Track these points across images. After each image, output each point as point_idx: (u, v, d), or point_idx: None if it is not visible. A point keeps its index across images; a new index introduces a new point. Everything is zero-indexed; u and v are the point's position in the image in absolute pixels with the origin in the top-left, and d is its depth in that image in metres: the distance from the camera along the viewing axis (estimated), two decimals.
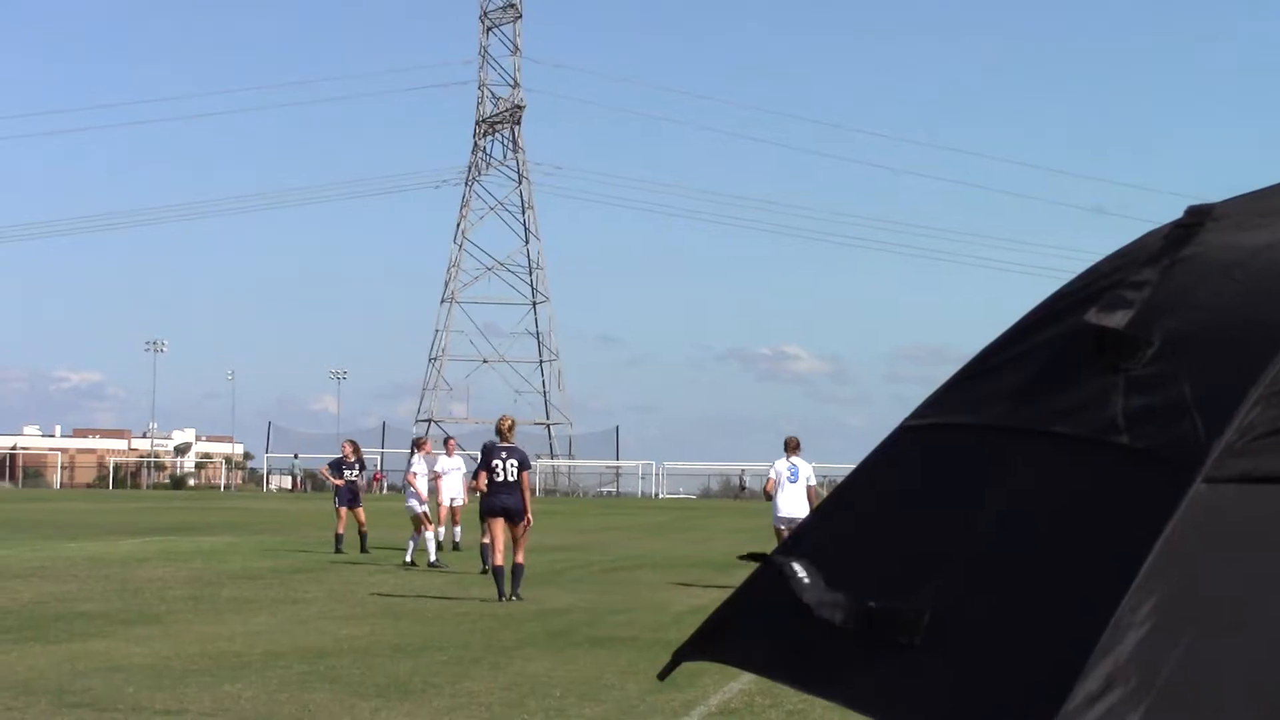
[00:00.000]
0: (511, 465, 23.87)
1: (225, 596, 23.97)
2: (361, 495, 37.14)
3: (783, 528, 25.95)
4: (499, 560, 23.73)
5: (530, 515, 24.12)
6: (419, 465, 34.13)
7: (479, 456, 24.79)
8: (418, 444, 35.64)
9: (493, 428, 25.37)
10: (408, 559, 31.95)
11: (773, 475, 26.99)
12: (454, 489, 36.01)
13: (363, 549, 35.14)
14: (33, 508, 67.85)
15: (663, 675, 2.68)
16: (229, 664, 16.01)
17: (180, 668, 15.69)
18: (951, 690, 2.12)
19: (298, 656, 16.66)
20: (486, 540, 25.17)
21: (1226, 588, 2.01)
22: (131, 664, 15.91)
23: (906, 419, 2.59)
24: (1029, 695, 1.98)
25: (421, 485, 33.53)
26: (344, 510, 36.15)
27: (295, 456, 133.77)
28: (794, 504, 26.35)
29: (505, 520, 23.86)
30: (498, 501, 23.92)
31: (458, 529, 36.75)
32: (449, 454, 37.36)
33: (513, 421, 25.36)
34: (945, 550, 2.31)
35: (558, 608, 23.05)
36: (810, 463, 27.58)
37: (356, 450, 37.64)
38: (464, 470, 36.93)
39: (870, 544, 2.45)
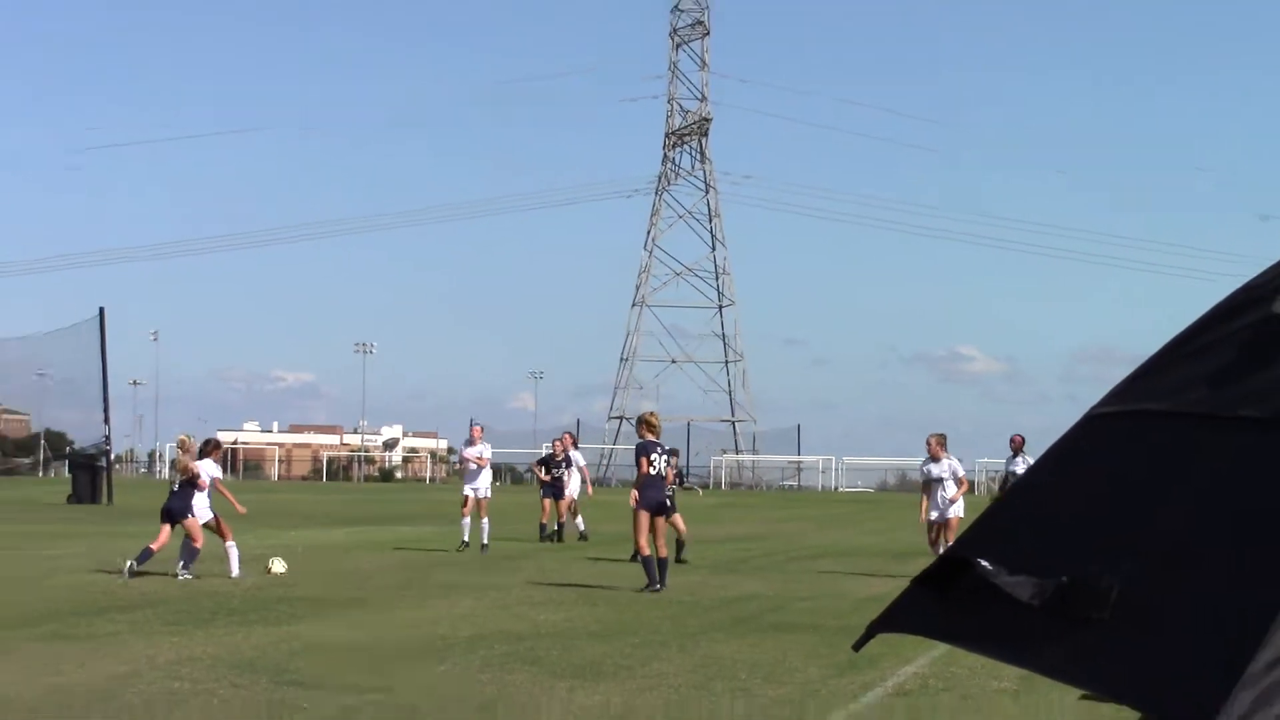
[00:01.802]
0: (664, 460, 23.88)
1: (431, 582, 24.19)
2: (566, 489, 37.23)
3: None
4: (648, 550, 23.38)
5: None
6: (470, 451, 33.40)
7: (643, 450, 24.09)
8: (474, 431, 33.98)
9: (681, 425, 25.26)
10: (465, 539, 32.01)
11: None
12: (573, 484, 36.76)
13: (559, 538, 35.46)
14: (253, 498, 68.75)
15: (857, 646, 2.70)
16: (436, 646, 16.15)
17: (390, 649, 15.85)
18: (1138, 658, 2.11)
19: (500, 639, 16.77)
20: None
21: None
22: (344, 645, 16.10)
23: (1094, 407, 2.53)
24: (1215, 658, 1.98)
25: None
26: (548, 501, 36.40)
27: (449, 452, 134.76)
28: None
29: (659, 513, 23.58)
30: (656, 495, 23.64)
31: (579, 520, 37.05)
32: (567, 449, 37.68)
33: (658, 417, 25.23)
34: (1134, 529, 2.29)
35: (743, 594, 23.04)
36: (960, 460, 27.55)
37: (564, 448, 37.78)
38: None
39: (1061, 525, 2.41)
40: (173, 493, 24.55)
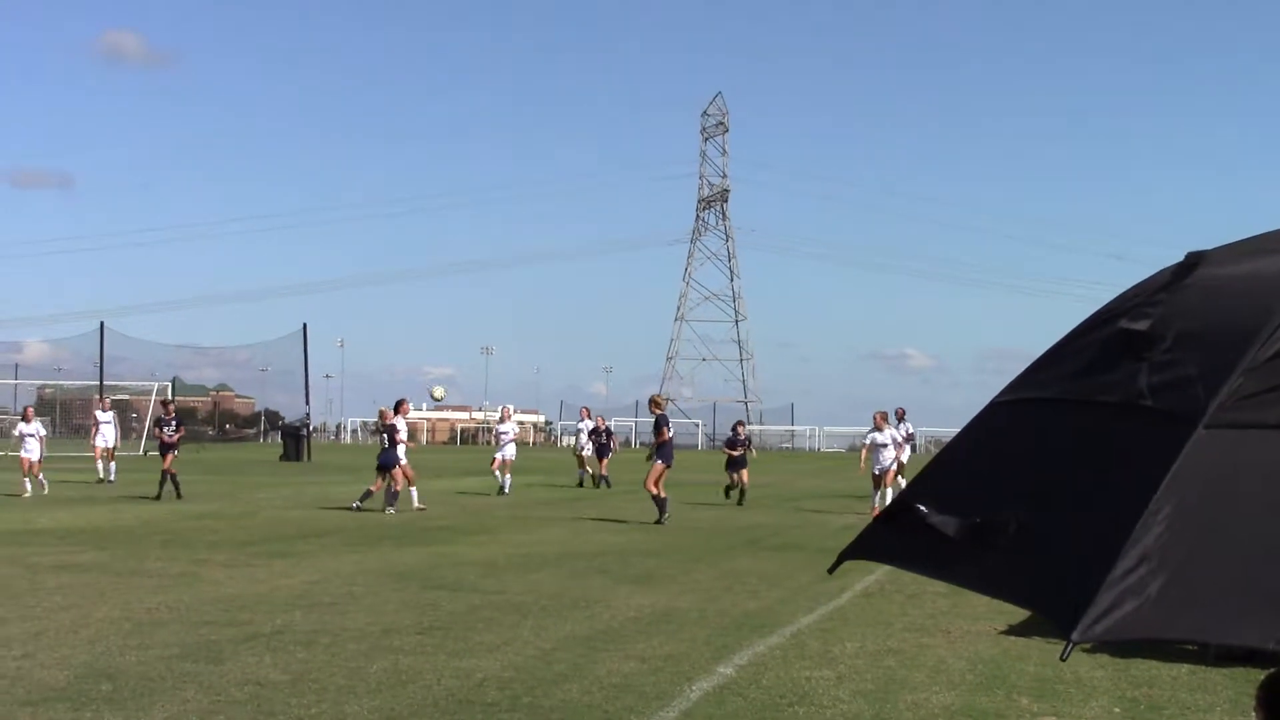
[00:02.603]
0: (670, 429, 23.60)
1: (531, 516, 24.22)
2: (610, 451, 36.83)
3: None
4: (664, 492, 22.98)
5: None
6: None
7: (660, 421, 23.51)
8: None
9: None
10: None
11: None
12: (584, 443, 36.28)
13: (607, 485, 35.07)
14: (411, 458, 69.22)
15: (831, 570, 2.71)
16: (535, 560, 16.18)
17: (503, 563, 15.89)
18: (1031, 571, 2.18)
19: (580, 556, 16.79)
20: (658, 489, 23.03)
21: (1218, 497, 2.08)
22: (471, 560, 16.14)
23: (996, 396, 2.63)
24: (1084, 569, 2.03)
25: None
26: (598, 460, 36.22)
27: (546, 423, 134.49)
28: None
29: (669, 466, 23.16)
30: (671, 453, 23.40)
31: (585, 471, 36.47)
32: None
33: (663, 397, 25.10)
34: (1024, 481, 2.36)
35: (755, 524, 23.01)
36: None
37: (602, 421, 37.52)
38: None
39: (974, 479, 2.49)
40: (384, 449, 24.62)
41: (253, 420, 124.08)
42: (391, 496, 24.13)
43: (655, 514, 22.83)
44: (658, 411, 23.83)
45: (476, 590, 13.26)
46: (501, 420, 33.98)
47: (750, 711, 7.94)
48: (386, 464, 24.33)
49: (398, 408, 25.23)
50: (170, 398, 33.51)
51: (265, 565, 15.20)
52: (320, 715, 7.69)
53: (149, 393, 68.91)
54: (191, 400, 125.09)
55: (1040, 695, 8.52)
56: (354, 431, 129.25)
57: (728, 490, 29.57)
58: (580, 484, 36.02)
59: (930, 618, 11.84)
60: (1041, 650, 9.99)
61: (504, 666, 9.16)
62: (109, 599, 12.23)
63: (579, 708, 7.93)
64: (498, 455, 32.09)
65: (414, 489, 24.64)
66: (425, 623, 11.06)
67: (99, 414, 36.05)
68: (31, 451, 28.35)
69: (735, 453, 30.15)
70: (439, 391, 36.43)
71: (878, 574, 14.42)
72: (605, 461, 36.16)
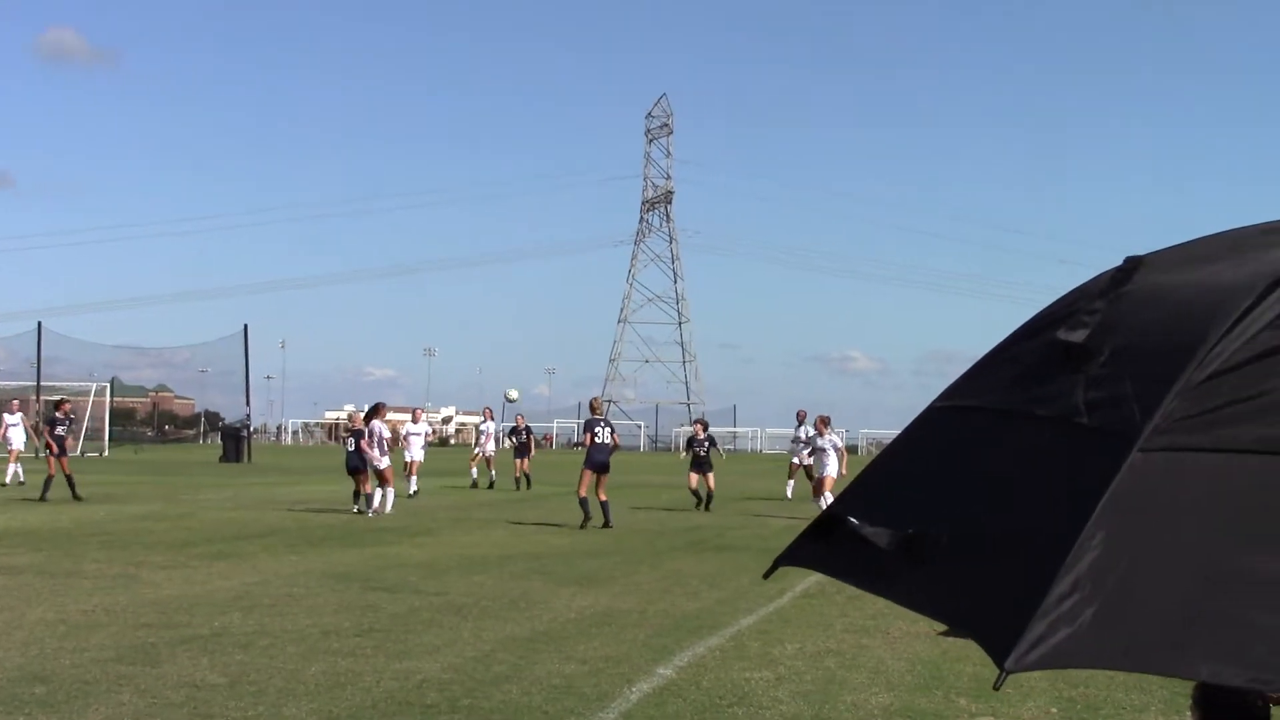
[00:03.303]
0: (607, 432, 22.89)
1: (473, 518, 24.11)
2: (530, 453, 36.42)
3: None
4: (584, 494, 22.18)
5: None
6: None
7: (584, 425, 23.27)
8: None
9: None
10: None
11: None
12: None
13: (528, 486, 34.98)
14: None
15: (767, 575, 2.70)
16: (476, 562, 16.11)
17: (444, 565, 15.81)
18: (962, 589, 2.14)
19: (521, 558, 16.73)
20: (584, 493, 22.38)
21: (1153, 523, 2.03)
22: (413, 562, 16.06)
23: (934, 401, 2.58)
24: (1017, 593, 1.99)
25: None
26: (518, 461, 35.93)
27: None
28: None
29: (601, 471, 22.47)
30: (600, 456, 22.49)
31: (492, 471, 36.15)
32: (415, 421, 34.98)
33: (601, 401, 24.82)
34: (959, 494, 2.32)
35: (696, 525, 23.02)
36: (842, 430, 27.04)
37: (521, 420, 37.26)
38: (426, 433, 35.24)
39: (907, 489, 2.46)
40: (349, 452, 24.19)
41: (192, 421, 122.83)
42: (368, 500, 23.94)
43: (598, 519, 22.70)
44: (592, 415, 23.62)
45: (417, 592, 13.19)
46: (414, 421, 33.65)
47: (690, 713, 7.94)
48: (355, 468, 24.04)
49: (375, 412, 24.82)
50: (64, 397, 32.29)
51: (204, 567, 15.05)
52: (258, 718, 7.61)
53: (87, 393, 68.03)
54: (131, 401, 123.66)
55: (978, 695, 8.57)
56: (295, 433, 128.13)
57: (697, 502, 27.92)
58: (474, 485, 35.69)
59: (870, 619, 11.88)
60: (979, 652, 10.02)
61: (444, 668, 9.11)
62: (44, 601, 12.06)
63: (519, 709, 7.90)
64: (407, 457, 31.50)
65: (390, 491, 24.37)
66: (365, 624, 10.98)
67: (7, 416, 35.38)
68: None
69: (700, 453, 28.69)
70: (513, 394, 36.24)
71: (818, 576, 14.40)
72: (526, 461, 35.91)
